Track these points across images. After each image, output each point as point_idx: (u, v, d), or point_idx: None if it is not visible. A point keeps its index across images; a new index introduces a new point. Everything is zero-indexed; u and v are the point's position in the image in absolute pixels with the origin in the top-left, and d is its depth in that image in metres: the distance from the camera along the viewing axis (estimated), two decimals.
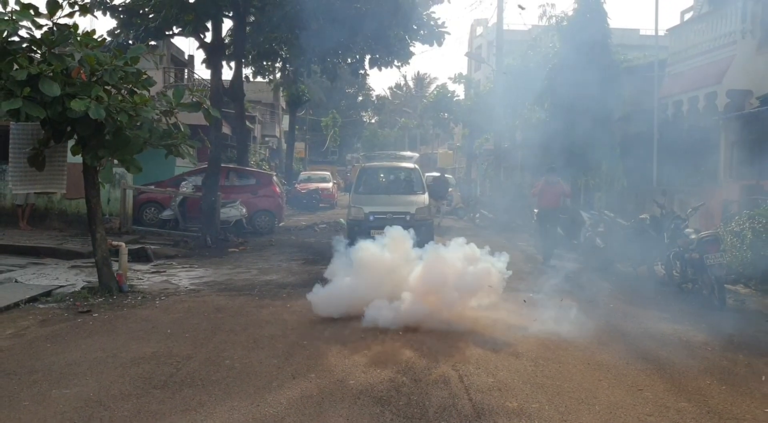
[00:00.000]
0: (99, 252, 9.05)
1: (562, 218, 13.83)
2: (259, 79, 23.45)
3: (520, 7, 31.06)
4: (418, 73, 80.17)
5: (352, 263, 8.17)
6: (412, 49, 18.26)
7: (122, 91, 8.47)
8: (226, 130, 22.97)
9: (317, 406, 4.92)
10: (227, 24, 18.06)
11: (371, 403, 5.01)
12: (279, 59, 21.77)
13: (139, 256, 12.15)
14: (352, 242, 9.03)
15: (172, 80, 27.54)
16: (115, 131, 8.22)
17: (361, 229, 12.91)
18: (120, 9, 15.63)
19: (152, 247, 13.28)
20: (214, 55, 16.04)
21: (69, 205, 15.60)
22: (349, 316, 7.67)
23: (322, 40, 16.63)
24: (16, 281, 9.64)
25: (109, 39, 15.10)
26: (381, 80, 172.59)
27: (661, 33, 19.73)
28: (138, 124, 8.37)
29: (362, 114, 78.08)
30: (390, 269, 8.07)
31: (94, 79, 8.08)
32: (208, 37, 16.10)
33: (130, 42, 15.31)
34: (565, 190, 13.66)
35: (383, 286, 7.85)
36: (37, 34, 8.04)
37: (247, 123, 25.45)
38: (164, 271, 11.29)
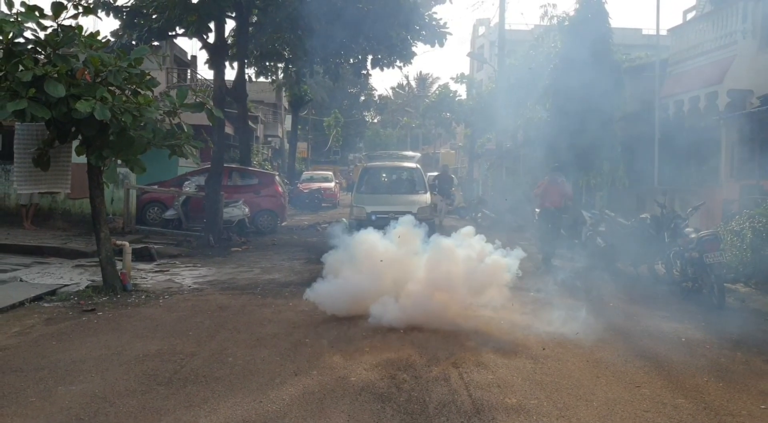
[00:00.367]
0: (103, 251, 9.13)
1: (564, 218, 13.88)
2: (261, 79, 23.55)
3: None
4: (421, 73, 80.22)
5: (352, 256, 8.15)
6: (414, 49, 18.35)
7: (126, 91, 8.55)
8: (228, 130, 23.04)
9: (319, 403, 5.00)
10: (230, 25, 18.19)
11: (372, 399, 5.09)
12: (282, 59, 21.85)
13: (142, 256, 12.22)
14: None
15: (175, 80, 27.67)
16: (120, 132, 8.29)
17: (363, 228, 12.96)
18: (123, 10, 15.72)
19: (155, 246, 13.36)
20: (217, 55, 16.13)
21: (73, 205, 15.71)
22: (352, 313, 7.71)
23: (324, 40, 16.72)
24: (21, 280, 9.74)
25: (112, 40, 15.19)
26: (383, 80, 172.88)
27: (663, 33, 19.78)
28: (142, 124, 8.44)
29: (365, 114, 78.15)
30: (395, 263, 8.00)
31: (99, 80, 8.16)
32: (211, 38, 16.20)
33: (134, 43, 15.40)
34: (567, 191, 13.68)
35: (387, 281, 7.82)
36: (42, 35, 8.15)
37: (250, 123, 25.54)
38: (167, 270, 11.38)
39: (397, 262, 8.08)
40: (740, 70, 15.02)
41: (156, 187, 17.25)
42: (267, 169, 25.46)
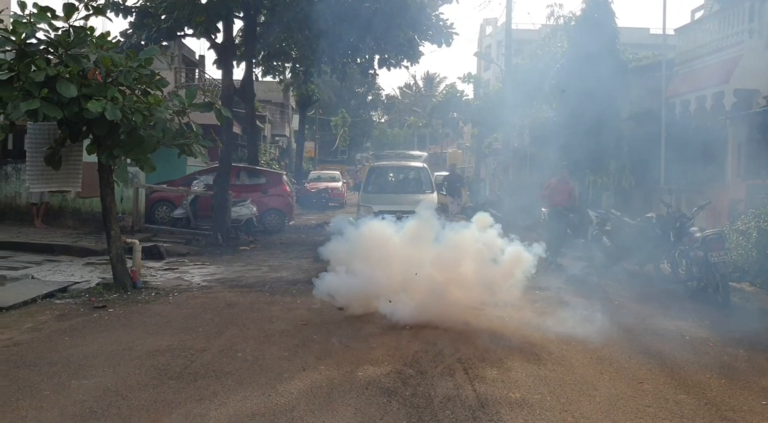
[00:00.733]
0: (114, 249, 9.26)
1: (571, 217, 13.94)
2: (269, 78, 23.66)
3: None
4: (428, 72, 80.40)
5: (362, 247, 8.16)
6: (421, 49, 18.41)
7: (136, 91, 8.67)
8: (236, 129, 23.19)
9: (326, 396, 5.10)
10: (238, 25, 18.30)
11: (378, 393, 5.18)
12: (289, 59, 21.97)
13: (151, 254, 12.35)
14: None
15: (183, 80, 27.83)
16: (130, 131, 8.41)
17: None
18: (133, 10, 15.85)
19: (164, 244, 13.50)
20: (225, 55, 16.24)
21: (82, 204, 15.85)
22: (363, 307, 7.81)
23: (332, 40, 16.82)
24: (32, 277, 9.89)
25: (121, 40, 15.33)
26: (390, 80, 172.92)
27: (671, 32, 19.78)
28: (152, 124, 8.55)
29: (372, 113, 78.22)
30: (408, 257, 7.98)
31: (110, 80, 8.29)
32: (219, 38, 16.32)
33: (142, 43, 15.54)
34: (575, 190, 13.77)
35: (399, 276, 7.80)
36: (54, 36, 8.27)
37: (258, 122, 25.68)
38: (177, 269, 11.51)
39: (410, 256, 8.04)
40: (747, 70, 15.04)
41: (165, 186, 17.39)
42: (274, 169, 25.59)
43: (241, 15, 16.82)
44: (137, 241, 10.03)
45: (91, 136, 8.77)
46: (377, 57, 19.15)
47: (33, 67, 7.79)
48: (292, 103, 42.70)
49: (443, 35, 17.63)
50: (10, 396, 5.00)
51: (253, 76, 19.13)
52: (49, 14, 8.11)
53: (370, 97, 76.35)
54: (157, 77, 8.78)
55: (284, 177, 19.85)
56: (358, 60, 19.75)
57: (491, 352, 6.41)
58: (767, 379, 5.82)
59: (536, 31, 27.77)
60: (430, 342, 6.72)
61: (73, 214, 15.92)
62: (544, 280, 10.16)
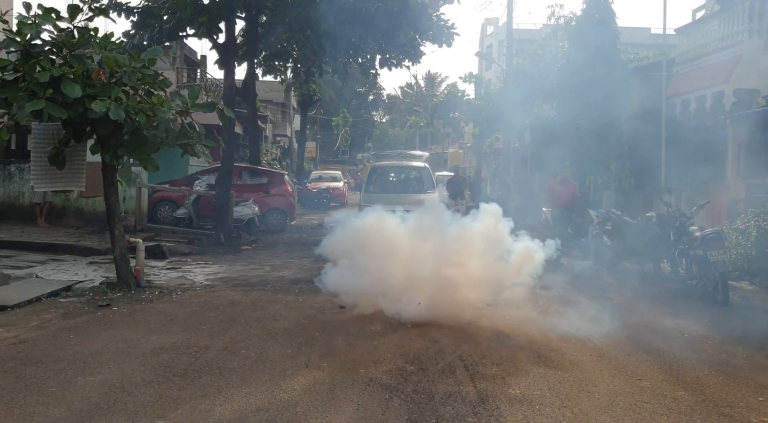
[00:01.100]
0: (117, 248, 9.33)
1: (573, 217, 14.00)
2: (270, 78, 23.74)
3: None
4: (429, 72, 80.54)
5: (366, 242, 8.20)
6: (422, 49, 18.50)
7: (140, 92, 8.74)
8: (238, 129, 23.25)
9: (329, 393, 5.17)
10: (239, 25, 18.37)
11: (380, 389, 5.25)
12: (291, 59, 22.04)
13: (154, 253, 12.42)
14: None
15: (185, 80, 27.91)
16: (134, 131, 8.49)
17: None
18: (135, 11, 15.94)
19: (167, 244, 13.56)
20: (227, 55, 16.31)
21: (86, 203, 15.94)
22: (366, 304, 7.87)
23: (333, 40, 16.90)
24: (37, 276, 9.97)
25: (124, 40, 15.42)
26: (392, 79, 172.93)
27: (672, 32, 19.83)
28: (155, 124, 8.64)
29: (373, 113, 78.36)
30: (412, 254, 8.00)
31: (114, 80, 8.37)
32: (221, 38, 16.39)
33: (145, 43, 15.62)
34: (576, 190, 13.83)
35: (404, 274, 7.83)
36: (58, 36, 8.34)
37: (259, 122, 25.76)
38: (180, 268, 11.58)
39: (416, 253, 8.05)
40: (746, 70, 15.07)
41: (167, 185, 17.46)
42: (276, 169, 25.66)
43: (243, 15, 16.90)
44: (140, 241, 10.10)
45: (95, 136, 8.85)
46: (378, 57, 19.24)
47: (38, 68, 7.87)
48: (294, 103, 42.80)
49: (444, 35, 17.71)
50: (17, 393, 5.07)
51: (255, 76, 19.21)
52: (53, 15, 8.20)
53: (371, 97, 76.47)
54: (161, 78, 8.86)
55: (286, 177, 19.91)
56: (360, 60, 19.83)
57: (492, 349, 6.48)
58: (765, 376, 5.88)
59: (537, 31, 27.84)
60: (432, 340, 6.79)
61: (76, 213, 16.01)
62: (546, 279, 10.21)
